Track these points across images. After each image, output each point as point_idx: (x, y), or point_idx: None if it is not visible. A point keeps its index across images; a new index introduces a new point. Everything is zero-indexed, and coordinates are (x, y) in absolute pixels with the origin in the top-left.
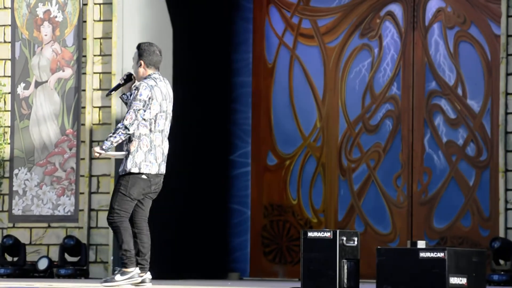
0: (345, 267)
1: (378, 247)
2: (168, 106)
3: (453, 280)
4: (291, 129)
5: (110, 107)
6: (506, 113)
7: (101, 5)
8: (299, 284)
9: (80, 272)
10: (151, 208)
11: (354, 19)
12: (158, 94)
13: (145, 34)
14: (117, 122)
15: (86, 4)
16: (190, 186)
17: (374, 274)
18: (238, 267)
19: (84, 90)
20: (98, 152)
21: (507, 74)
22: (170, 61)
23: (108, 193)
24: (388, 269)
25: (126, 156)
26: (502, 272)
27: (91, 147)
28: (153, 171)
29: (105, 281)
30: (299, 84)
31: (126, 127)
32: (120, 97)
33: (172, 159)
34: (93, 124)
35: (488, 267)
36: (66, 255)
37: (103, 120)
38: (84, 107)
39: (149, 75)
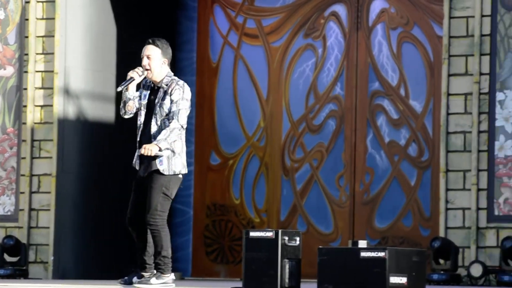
0: (287, 266)
1: (320, 246)
2: None
3: (393, 279)
4: (234, 129)
5: (52, 106)
6: (448, 114)
7: (44, 3)
8: (240, 284)
9: (20, 272)
10: (91, 208)
11: (298, 19)
12: None
13: (89, 32)
14: (60, 121)
15: (28, 2)
16: (130, 185)
17: (315, 273)
18: (180, 267)
19: (25, 89)
20: (152, 152)
21: (449, 75)
22: (113, 60)
23: (49, 192)
24: (330, 269)
25: (168, 156)
26: (442, 272)
27: (32, 146)
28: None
29: (140, 283)
30: (243, 83)
31: (182, 127)
32: (121, 87)
33: (113, 158)
34: (35, 123)
35: (428, 266)
36: (6, 255)
37: (45, 119)
38: (25, 106)
39: (169, 72)
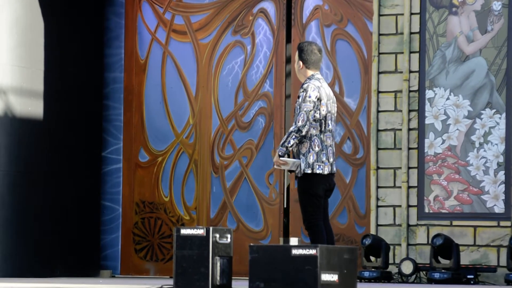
0: (218, 264)
1: (251, 244)
2: (332, 107)
3: (325, 277)
4: (163, 126)
5: None
6: (378, 111)
7: None
8: (171, 282)
9: None
10: (23, 203)
11: (226, 15)
12: (324, 94)
13: (15, 28)
14: None
15: None
16: (61, 182)
17: (247, 271)
18: (110, 265)
19: None
20: (277, 162)
21: (379, 73)
22: (41, 56)
23: None
24: (261, 266)
25: (299, 158)
26: (373, 269)
27: None
28: (326, 171)
29: None
30: (172, 80)
31: (299, 130)
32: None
33: (43, 155)
34: None
35: (359, 263)
36: None
37: None
38: None
39: (312, 75)
